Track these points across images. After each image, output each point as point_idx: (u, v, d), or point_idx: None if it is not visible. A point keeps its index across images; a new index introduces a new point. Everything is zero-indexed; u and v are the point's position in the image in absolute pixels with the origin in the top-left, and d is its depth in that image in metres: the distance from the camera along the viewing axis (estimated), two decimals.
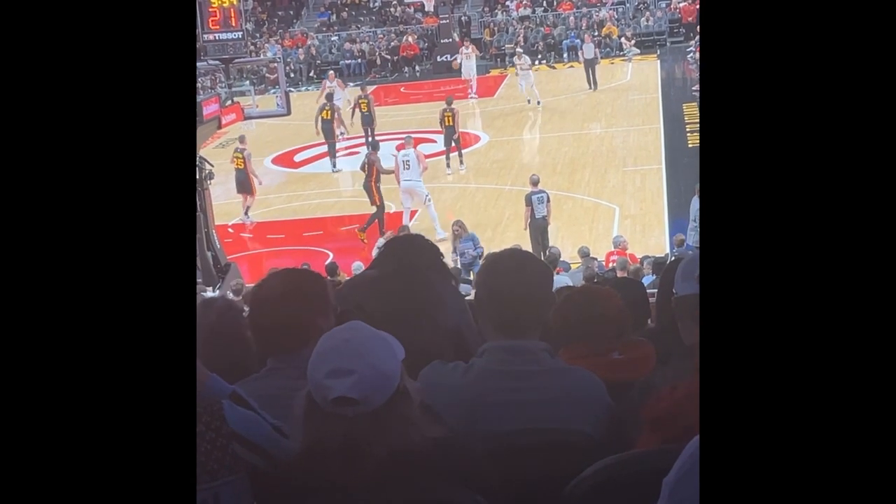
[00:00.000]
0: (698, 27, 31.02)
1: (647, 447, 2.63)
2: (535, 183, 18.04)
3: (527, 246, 16.38)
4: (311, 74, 38.39)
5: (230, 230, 20.59)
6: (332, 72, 30.56)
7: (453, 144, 23.27)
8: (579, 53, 31.77)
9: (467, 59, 31.94)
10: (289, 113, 20.52)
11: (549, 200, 17.78)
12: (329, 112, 24.38)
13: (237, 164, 21.29)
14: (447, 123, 23.02)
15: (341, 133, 25.43)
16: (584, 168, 22.72)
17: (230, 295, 14.88)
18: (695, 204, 16.78)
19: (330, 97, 25.04)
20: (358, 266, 15.95)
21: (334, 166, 24.62)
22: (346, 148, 26.42)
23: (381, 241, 16.70)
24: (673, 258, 14.43)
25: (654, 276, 12.96)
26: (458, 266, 16.05)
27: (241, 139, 21.62)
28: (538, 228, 17.53)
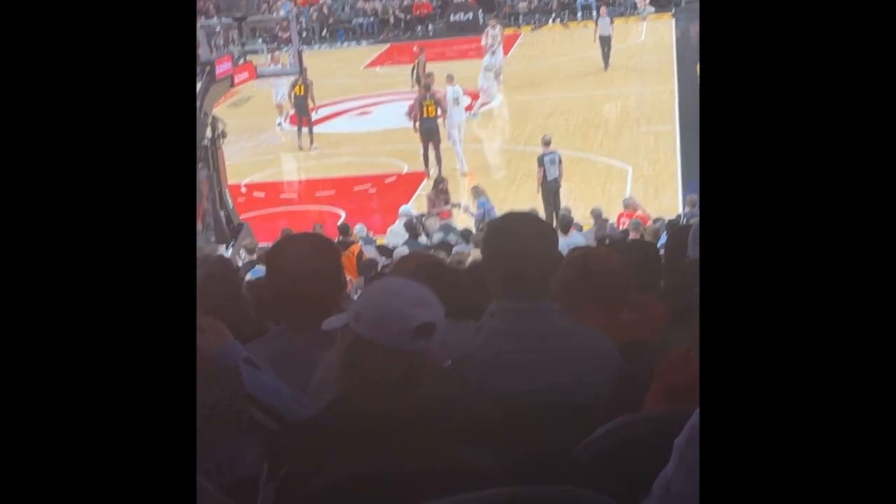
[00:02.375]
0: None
1: (655, 407, 2.64)
2: (546, 144, 17.99)
3: (539, 207, 16.37)
4: (324, 33, 38.24)
5: (243, 189, 20.59)
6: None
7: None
8: (594, 29, 28.51)
9: (492, 55, 27.33)
10: (302, 72, 20.49)
11: (560, 161, 17.73)
12: (302, 87, 22.82)
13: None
14: (427, 115, 20.26)
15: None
16: (598, 129, 22.63)
17: (243, 254, 14.93)
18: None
19: (304, 72, 21.90)
20: (360, 228, 15.98)
21: (311, 142, 23.22)
22: (359, 108, 26.38)
23: (404, 209, 16.77)
24: (685, 219, 14.41)
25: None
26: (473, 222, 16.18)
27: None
28: (550, 190, 17.49)
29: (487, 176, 19.81)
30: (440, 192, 17.44)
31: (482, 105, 24.28)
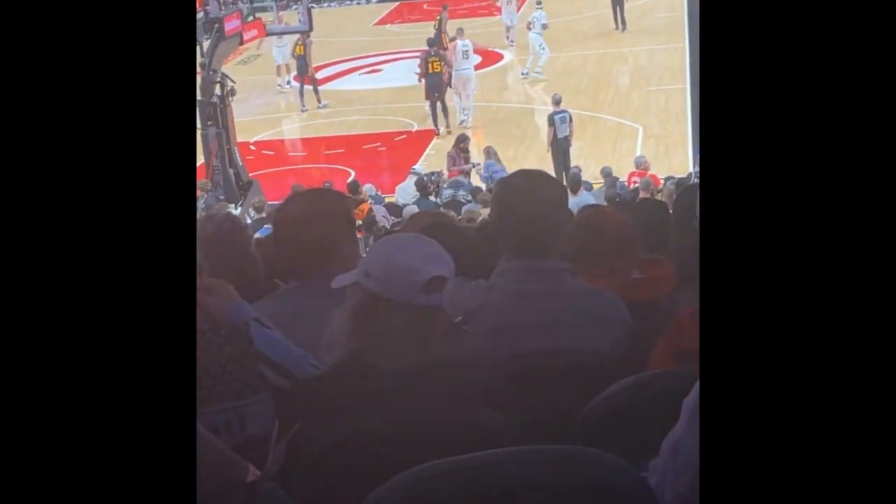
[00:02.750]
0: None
1: (660, 367, 2.64)
2: (557, 102, 17.95)
3: (549, 166, 16.33)
4: None
5: (252, 147, 20.57)
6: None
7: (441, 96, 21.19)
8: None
9: (508, 4, 27.51)
10: (311, 29, 20.41)
11: (571, 120, 17.70)
12: (302, 47, 22.66)
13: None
14: (432, 70, 20.57)
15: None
16: (608, 88, 22.54)
17: (252, 212, 14.94)
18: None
19: (304, 32, 22.20)
20: (369, 188, 15.98)
21: (318, 101, 23.18)
22: (368, 66, 26.28)
23: (415, 169, 16.75)
24: (696, 178, 14.37)
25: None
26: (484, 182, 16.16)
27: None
28: (560, 148, 17.45)
29: (497, 133, 19.75)
30: (461, 151, 17.37)
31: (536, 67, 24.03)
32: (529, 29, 23.69)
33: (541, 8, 23.91)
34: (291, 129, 22.41)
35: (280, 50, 24.18)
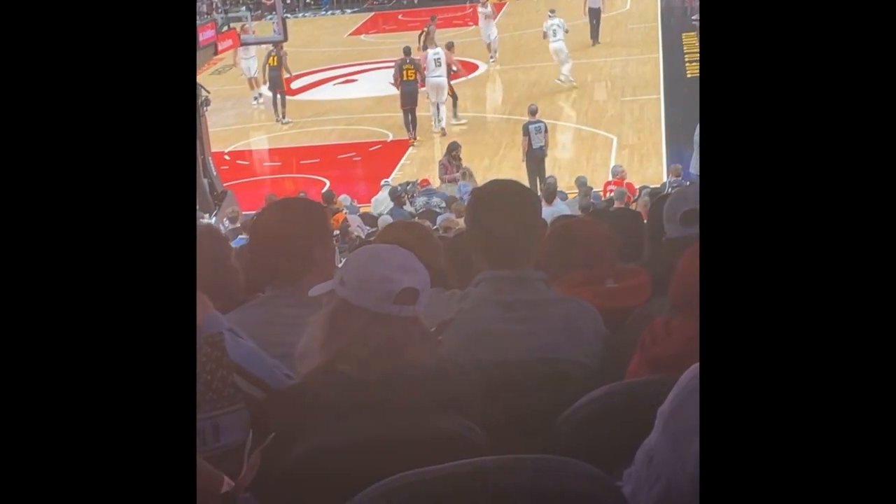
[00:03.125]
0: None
1: (636, 377, 2.65)
2: (532, 113, 18.01)
3: (523, 176, 16.37)
4: (308, 0, 38.02)
5: (226, 157, 20.52)
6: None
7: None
8: (584, 2, 26.85)
9: (486, 20, 26.73)
10: (285, 39, 20.43)
11: (546, 130, 17.76)
12: (276, 58, 22.36)
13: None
14: (407, 78, 20.76)
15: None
16: (583, 97, 22.61)
17: (226, 222, 14.90)
18: (697, 133, 16.76)
19: (278, 43, 22.17)
20: (345, 198, 15.97)
21: (283, 117, 22.83)
22: (343, 76, 26.29)
23: (385, 182, 16.74)
24: (669, 188, 14.42)
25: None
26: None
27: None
28: (535, 159, 17.50)
29: (472, 142, 19.78)
30: (453, 159, 17.34)
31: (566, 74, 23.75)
32: (546, 38, 23.60)
33: (555, 15, 23.65)
34: (266, 139, 22.36)
35: (247, 63, 23.79)
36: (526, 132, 17.58)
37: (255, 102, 24.41)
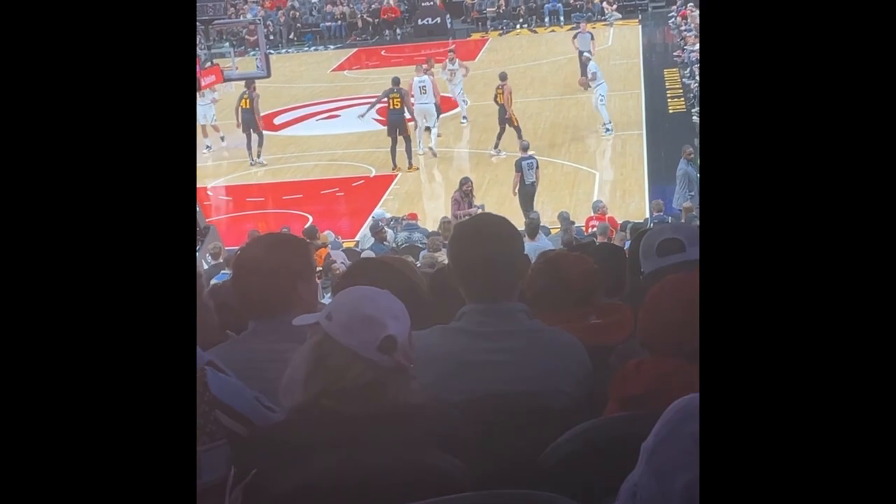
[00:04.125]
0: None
1: (610, 413, 2.65)
2: (524, 149, 18.10)
3: (506, 211, 16.37)
4: (292, 36, 38.20)
5: (209, 192, 20.51)
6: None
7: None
8: (573, 43, 25.76)
9: (452, 77, 24.77)
10: (268, 75, 20.49)
11: (538, 167, 17.79)
12: (248, 101, 21.60)
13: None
14: (393, 106, 20.83)
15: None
16: (565, 133, 22.70)
17: (208, 258, 14.87)
18: (680, 167, 16.86)
19: (250, 84, 21.61)
20: (329, 234, 15.96)
21: (258, 157, 22.20)
22: (326, 112, 26.35)
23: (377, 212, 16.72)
24: (651, 224, 14.47)
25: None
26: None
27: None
28: (527, 194, 17.52)
29: (456, 178, 19.84)
30: (465, 194, 17.14)
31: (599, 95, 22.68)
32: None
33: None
34: (248, 174, 22.35)
35: (202, 109, 22.38)
36: (519, 168, 17.60)
37: (205, 151, 23.03)
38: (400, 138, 20.86)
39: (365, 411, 2.37)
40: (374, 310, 2.44)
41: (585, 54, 23.95)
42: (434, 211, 18.45)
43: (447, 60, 25.03)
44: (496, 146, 21.50)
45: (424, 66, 22.83)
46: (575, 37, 25.93)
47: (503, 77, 21.72)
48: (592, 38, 26.02)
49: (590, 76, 22.57)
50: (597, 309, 3.46)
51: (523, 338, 2.90)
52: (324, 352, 2.42)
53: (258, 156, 22.24)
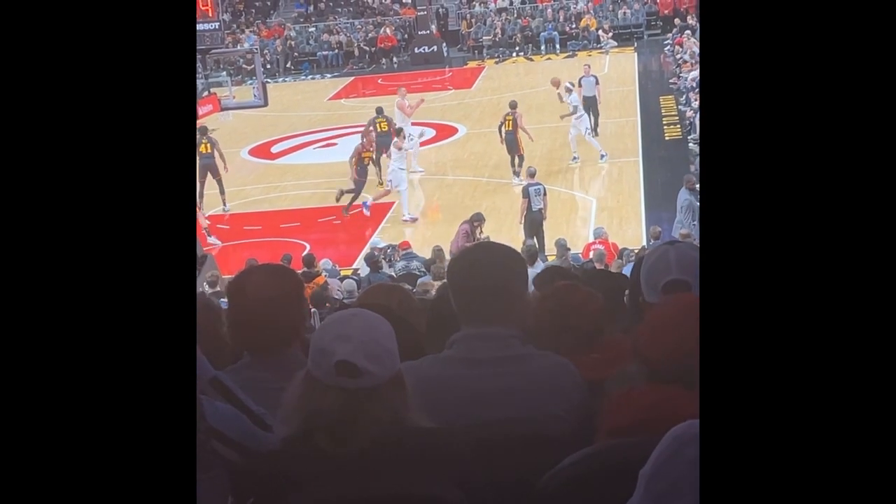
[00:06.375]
0: (696, 22, 30.62)
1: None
2: (532, 175, 18.04)
3: (504, 238, 16.36)
4: (289, 65, 38.34)
5: (206, 221, 20.50)
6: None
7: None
8: (576, 90, 23.01)
9: (399, 113, 23.03)
10: (266, 104, 20.51)
11: (545, 193, 17.63)
12: (208, 145, 20.15)
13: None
14: (381, 129, 21.61)
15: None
16: (562, 160, 22.72)
17: (206, 286, 14.85)
18: (682, 196, 16.83)
19: (204, 130, 20.04)
20: (326, 262, 15.93)
21: (223, 203, 21.16)
22: (324, 140, 26.41)
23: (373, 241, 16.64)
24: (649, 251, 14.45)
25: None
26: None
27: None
28: (535, 221, 17.41)
29: (452, 206, 19.85)
30: (474, 229, 16.85)
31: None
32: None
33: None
34: (246, 203, 22.35)
35: None
36: (526, 194, 17.46)
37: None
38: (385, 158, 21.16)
39: (356, 443, 2.35)
40: (321, 339, 2.42)
41: (567, 85, 22.82)
42: (431, 239, 18.39)
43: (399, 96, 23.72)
44: (516, 173, 21.14)
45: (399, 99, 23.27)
46: (580, 83, 24.04)
47: (513, 105, 21.58)
48: (598, 83, 24.25)
49: (571, 109, 22.32)
50: (600, 346, 3.45)
51: (515, 363, 2.89)
52: (307, 384, 2.42)
53: (223, 203, 21.25)
